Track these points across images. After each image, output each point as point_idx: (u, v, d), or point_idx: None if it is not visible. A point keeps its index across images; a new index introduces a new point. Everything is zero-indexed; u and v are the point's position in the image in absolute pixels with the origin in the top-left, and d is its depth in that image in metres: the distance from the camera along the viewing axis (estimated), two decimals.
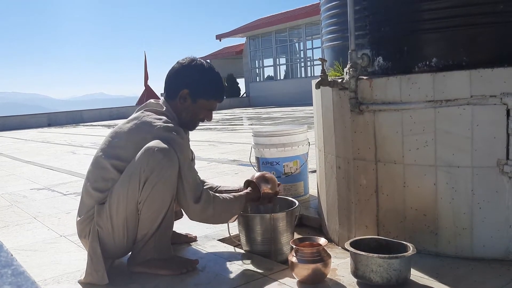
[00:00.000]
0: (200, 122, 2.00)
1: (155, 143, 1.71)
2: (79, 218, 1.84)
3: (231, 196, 1.91)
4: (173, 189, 1.74)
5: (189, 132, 2.04)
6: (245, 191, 2.03)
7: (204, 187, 1.95)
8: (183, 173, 1.75)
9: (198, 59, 1.94)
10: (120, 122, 1.93)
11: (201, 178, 2.15)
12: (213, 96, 1.94)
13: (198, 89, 1.90)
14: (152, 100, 1.97)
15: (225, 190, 2.13)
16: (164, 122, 1.79)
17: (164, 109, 1.88)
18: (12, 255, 2.19)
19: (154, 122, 1.79)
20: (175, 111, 1.91)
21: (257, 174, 2.09)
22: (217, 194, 1.87)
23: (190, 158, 1.93)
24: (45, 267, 1.99)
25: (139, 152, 1.71)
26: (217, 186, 2.20)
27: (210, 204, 1.80)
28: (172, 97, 1.92)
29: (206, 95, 1.92)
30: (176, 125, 1.82)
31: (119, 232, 1.75)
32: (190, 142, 1.97)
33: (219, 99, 1.97)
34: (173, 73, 1.92)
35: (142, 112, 1.87)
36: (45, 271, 1.94)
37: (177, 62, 1.94)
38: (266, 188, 2.02)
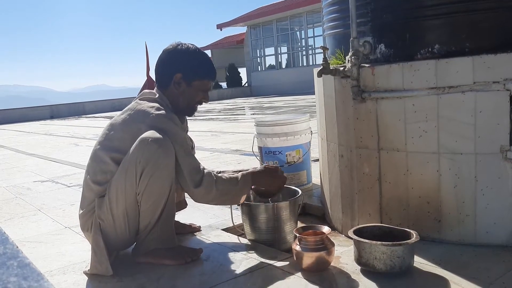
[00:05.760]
0: (198, 106, 1.99)
1: (150, 133, 1.70)
2: (81, 212, 1.85)
3: (235, 175, 1.88)
4: (171, 178, 1.74)
5: (190, 123, 2.02)
6: (251, 169, 1.95)
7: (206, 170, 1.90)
8: (180, 160, 1.75)
9: (183, 43, 1.94)
10: (116, 114, 1.93)
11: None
12: (206, 75, 1.94)
13: (190, 71, 1.90)
14: (146, 90, 1.97)
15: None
16: (156, 110, 1.79)
17: (157, 96, 1.88)
18: (17, 247, 2.20)
19: (147, 111, 1.79)
20: (170, 99, 1.91)
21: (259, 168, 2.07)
22: (219, 175, 1.86)
23: (190, 147, 1.91)
24: (50, 258, 2.01)
25: (134, 144, 1.71)
26: (221, 171, 2.18)
27: (212, 186, 1.79)
28: (166, 85, 1.91)
29: (199, 75, 1.92)
30: (169, 112, 1.82)
31: (121, 224, 1.76)
32: (191, 132, 1.97)
33: (212, 78, 1.97)
34: (162, 61, 1.92)
35: (135, 102, 1.87)
36: (51, 262, 1.96)
37: (163, 51, 1.93)
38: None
